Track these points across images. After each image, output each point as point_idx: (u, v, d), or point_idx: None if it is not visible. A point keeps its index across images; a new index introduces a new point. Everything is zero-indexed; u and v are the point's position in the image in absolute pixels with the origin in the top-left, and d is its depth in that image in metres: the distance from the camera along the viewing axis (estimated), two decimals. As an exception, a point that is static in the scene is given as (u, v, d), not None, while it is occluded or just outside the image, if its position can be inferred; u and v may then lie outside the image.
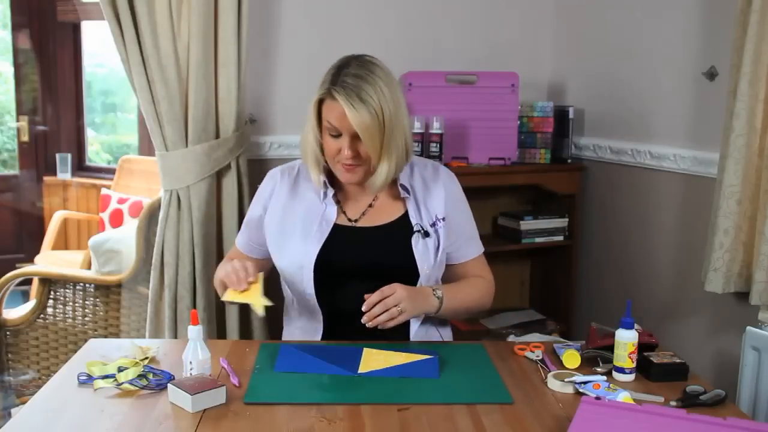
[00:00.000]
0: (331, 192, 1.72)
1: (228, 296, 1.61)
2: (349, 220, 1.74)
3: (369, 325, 1.55)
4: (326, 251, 1.68)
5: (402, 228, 1.72)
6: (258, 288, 1.59)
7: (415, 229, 1.71)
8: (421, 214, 1.74)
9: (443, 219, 1.74)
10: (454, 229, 1.76)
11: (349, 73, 1.59)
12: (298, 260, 1.69)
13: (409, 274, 1.69)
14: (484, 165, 2.83)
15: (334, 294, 1.71)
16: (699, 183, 2.42)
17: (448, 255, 1.78)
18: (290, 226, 1.73)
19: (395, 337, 1.67)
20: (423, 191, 1.76)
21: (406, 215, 1.73)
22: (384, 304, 1.55)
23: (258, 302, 1.57)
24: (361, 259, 1.70)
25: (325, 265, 1.68)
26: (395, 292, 1.56)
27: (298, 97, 2.82)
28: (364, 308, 1.55)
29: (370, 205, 1.75)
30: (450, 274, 1.81)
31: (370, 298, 1.55)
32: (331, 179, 1.74)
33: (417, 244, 1.70)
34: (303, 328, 1.77)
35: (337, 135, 1.62)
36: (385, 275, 1.67)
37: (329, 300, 1.71)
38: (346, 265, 1.69)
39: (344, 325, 1.67)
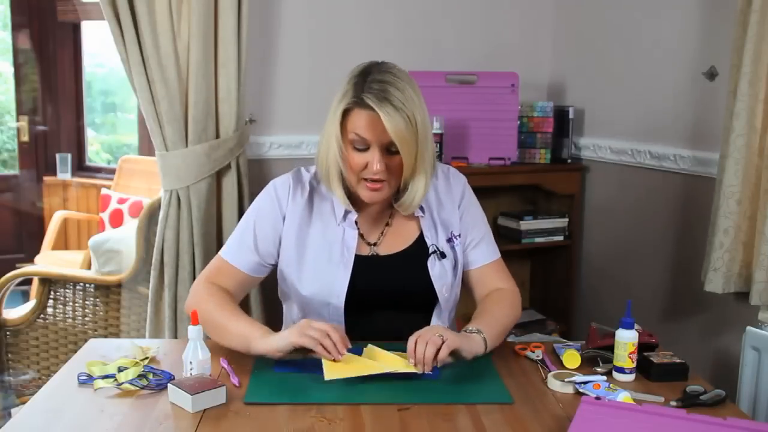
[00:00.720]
0: (354, 216, 1.62)
1: (334, 373, 1.39)
2: (368, 244, 1.65)
3: (425, 370, 1.40)
4: (350, 282, 1.60)
5: (419, 252, 1.64)
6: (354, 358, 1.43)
7: (430, 251, 1.65)
8: (437, 231, 1.67)
9: (459, 236, 1.68)
10: (464, 233, 1.69)
11: (375, 80, 1.48)
12: (323, 295, 1.60)
13: (428, 299, 1.64)
14: (484, 165, 2.83)
15: (357, 326, 1.62)
16: (699, 183, 2.42)
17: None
18: (309, 250, 1.62)
19: None
20: (437, 206, 1.69)
21: (422, 236, 1.66)
22: (422, 338, 1.41)
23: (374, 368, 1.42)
24: (383, 289, 1.63)
25: (348, 297, 1.60)
26: (428, 328, 1.46)
27: (298, 97, 2.83)
28: (410, 360, 1.41)
29: (387, 224, 1.68)
30: (465, 282, 1.72)
31: (409, 347, 1.42)
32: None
33: (433, 267, 1.63)
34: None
35: (364, 148, 1.51)
36: (406, 303, 1.64)
37: (352, 332, 1.60)
38: (368, 297, 1.61)
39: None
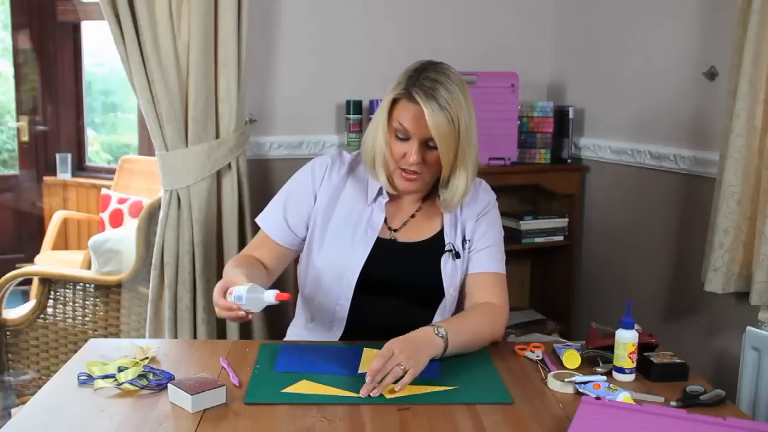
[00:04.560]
0: (385, 199, 1.67)
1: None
2: (390, 229, 1.69)
3: (374, 393, 1.37)
4: (366, 263, 1.64)
5: (436, 246, 1.68)
6: None
7: (446, 248, 1.68)
8: (456, 231, 1.70)
9: (470, 240, 1.71)
10: (474, 238, 1.71)
11: (428, 77, 1.54)
12: (339, 267, 1.64)
13: (435, 294, 1.67)
14: (484, 165, 2.83)
15: (361, 307, 1.66)
16: (699, 183, 2.42)
17: None
18: (334, 224, 1.68)
19: None
20: (460, 209, 1.72)
21: (442, 231, 1.70)
22: (381, 372, 1.38)
23: None
24: (395, 275, 1.66)
25: (360, 277, 1.64)
26: (392, 353, 1.40)
27: (298, 97, 2.83)
28: (368, 380, 1.38)
29: (413, 216, 1.71)
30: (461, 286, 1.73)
31: (372, 368, 1.38)
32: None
33: (446, 264, 1.67)
34: (312, 331, 1.74)
35: (405, 138, 1.57)
36: (414, 293, 1.67)
37: (355, 313, 1.66)
38: (380, 280, 1.65)
39: (362, 339, 1.63)
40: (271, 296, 1.40)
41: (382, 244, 1.66)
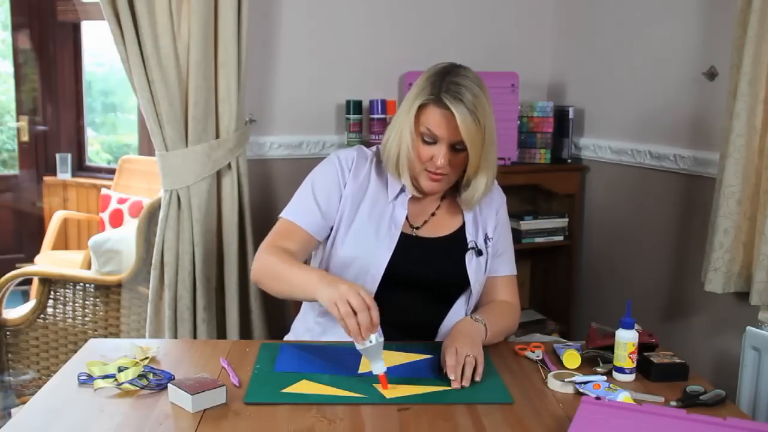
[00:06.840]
0: (407, 196, 1.69)
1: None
2: (411, 226, 1.72)
3: (465, 383, 1.43)
4: (390, 258, 1.66)
5: (458, 242, 1.72)
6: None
7: (469, 246, 1.72)
8: (478, 230, 1.74)
9: (491, 239, 1.76)
10: (495, 239, 1.77)
11: (453, 81, 1.56)
12: (363, 263, 1.65)
13: (456, 289, 1.72)
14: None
15: (379, 303, 1.63)
16: (699, 183, 2.42)
17: None
18: (358, 220, 1.69)
19: (423, 337, 1.70)
20: (479, 207, 1.75)
21: (462, 229, 1.73)
22: (458, 363, 1.45)
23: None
24: (418, 270, 1.68)
25: (383, 273, 1.66)
26: (457, 349, 1.47)
27: (298, 97, 2.83)
28: (452, 377, 1.43)
29: (433, 214, 1.74)
30: None
31: (449, 367, 1.44)
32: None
33: (470, 261, 1.71)
34: (324, 326, 1.73)
35: (432, 142, 1.59)
36: (435, 288, 1.70)
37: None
38: (401, 276, 1.66)
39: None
40: (380, 368, 1.41)
41: (405, 240, 1.69)
